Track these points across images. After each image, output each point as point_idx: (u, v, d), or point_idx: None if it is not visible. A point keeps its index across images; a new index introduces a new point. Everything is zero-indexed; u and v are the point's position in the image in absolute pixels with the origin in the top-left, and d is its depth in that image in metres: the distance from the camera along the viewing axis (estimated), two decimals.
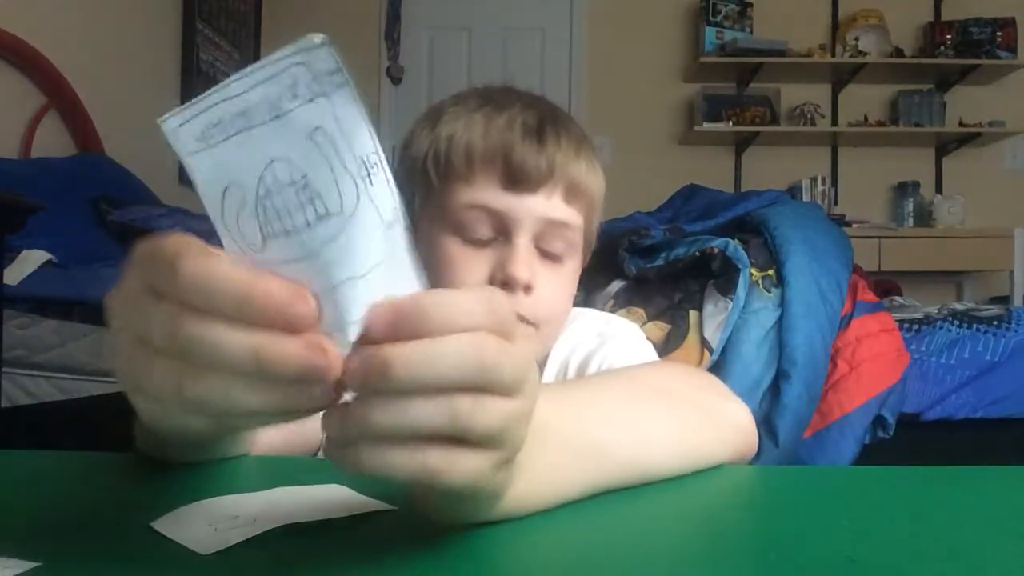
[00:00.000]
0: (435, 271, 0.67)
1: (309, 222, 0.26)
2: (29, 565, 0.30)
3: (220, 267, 0.25)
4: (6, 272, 1.50)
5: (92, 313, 1.60)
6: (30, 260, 1.68)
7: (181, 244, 0.26)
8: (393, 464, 0.26)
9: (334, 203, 0.26)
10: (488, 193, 0.66)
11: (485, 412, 0.26)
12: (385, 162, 0.27)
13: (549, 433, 0.35)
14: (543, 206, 0.66)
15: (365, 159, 0.26)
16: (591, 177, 0.69)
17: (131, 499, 0.42)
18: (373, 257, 0.27)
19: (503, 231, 0.66)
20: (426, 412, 0.25)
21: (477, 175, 0.66)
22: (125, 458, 0.48)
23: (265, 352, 0.25)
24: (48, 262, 1.73)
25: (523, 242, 0.66)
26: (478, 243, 0.66)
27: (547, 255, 0.68)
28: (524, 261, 0.65)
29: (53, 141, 2.37)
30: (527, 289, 0.65)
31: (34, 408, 1.57)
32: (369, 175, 0.26)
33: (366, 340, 0.26)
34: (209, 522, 0.34)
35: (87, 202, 2.17)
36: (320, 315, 0.26)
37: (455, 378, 0.25)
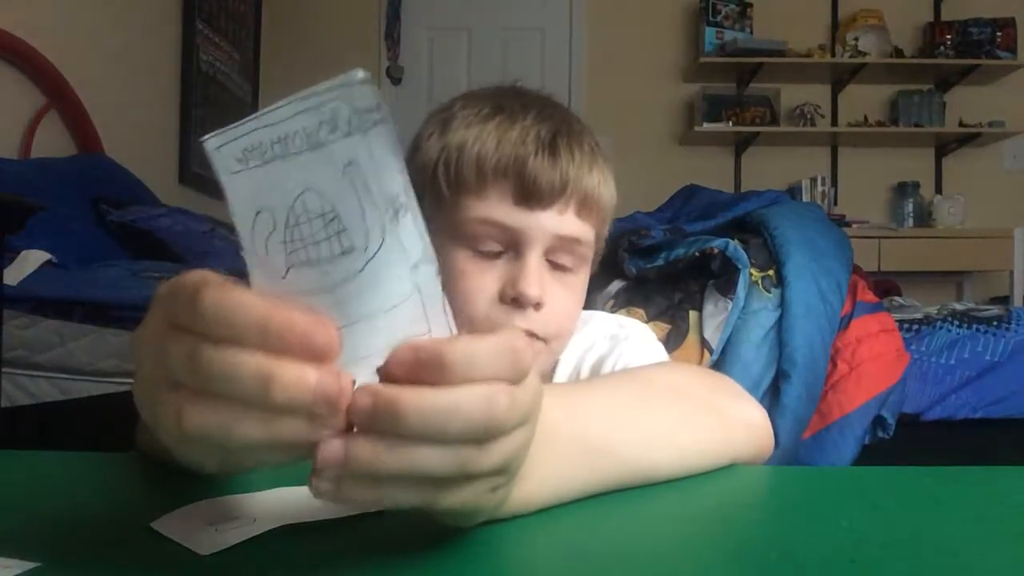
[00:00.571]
0: (445, 281, 0.66)
1: (333, 255, 0.26)
2: (29, 565, 0.30)
3: (241, 296, 0.25)
4: (6, 272, 1.50)
5: (92, 313, 1.59)
6: (30, 260, 1.68)
7: (202, 277, 0.26)
8: (393, 498, 0.26)
9: (360, 239, 0.26)
10: (500, 209, 0.64)
11: (490, 456, 0.27)
12: (415, 202, 0.27)
13: (556, 434, 0.35)
14: (555, 222, 0.65)
15: (394, 198, 0.26)
16: (604, 189, 0.68)
17: (131, 499, 0.42)
18: (394, 297, 0.27)
19: (514, 246, 0.65)
20: (433, 460, 0.26)
21: (489, 189, 0.65)
22: (125, 458, 0.48)
23: (279, 378, 0.25)
24: (48, 262, 1.72)
25: (534, 258, 0.65)
26: (488, 256, 0.65)
27: (558, 267, 0.67)
28: (535, 279, 0.64)
29: (53, 141, 2.37)
30: (537, 306, 0.64)
31: (34, 408, 1.57)
32: (397, 214, 0.26)
33: (383, 379, 0.26)
34: (209, 522, 0.34)
35: (87, 202, 2.17)
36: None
37: (464, 432, 0.26)
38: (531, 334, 0.64)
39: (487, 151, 0.65)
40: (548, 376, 0.75)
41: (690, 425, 0.46)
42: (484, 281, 0.65)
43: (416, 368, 0.25)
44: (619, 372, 0.62)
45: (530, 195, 0.64)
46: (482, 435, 0.26)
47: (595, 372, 0.72)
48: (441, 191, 0.67)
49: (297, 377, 0.25)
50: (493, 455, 0.27)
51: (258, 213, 0.26)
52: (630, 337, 0.75)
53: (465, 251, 0.66)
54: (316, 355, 0.25)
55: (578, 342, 0.75)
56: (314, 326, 0.25)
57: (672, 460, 0.43)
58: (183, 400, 0.26)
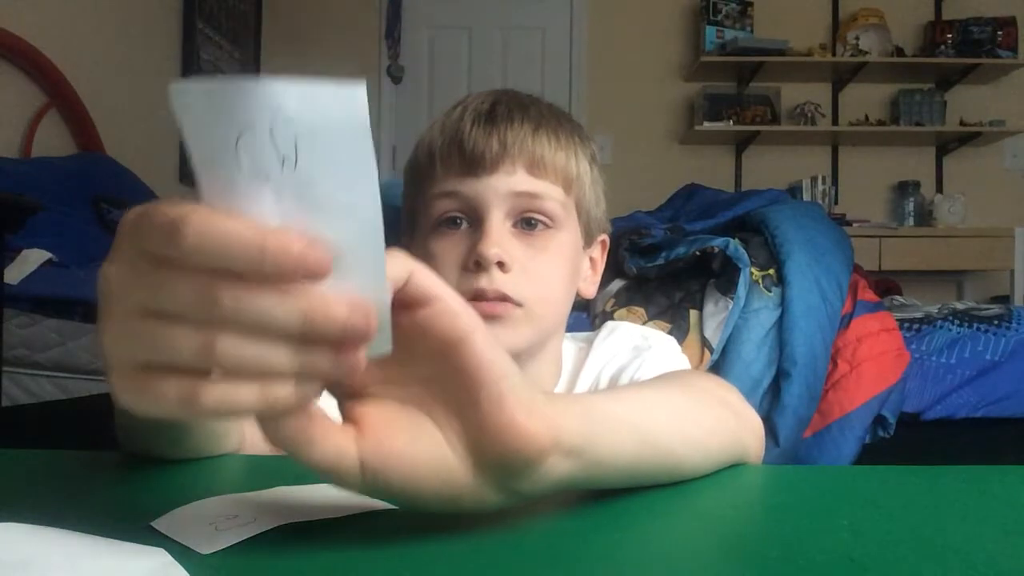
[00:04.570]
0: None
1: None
2: None
3: (229, 224, 0.25)
4: (6, 271, 1.50)
5: (93, 312, 1.59)
6: (30, 259, 1.68)
7: (179, 206, 0.25)
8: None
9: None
10: (449, 182, 0.67)
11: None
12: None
13: (607, 416, 0.36)
14: (506, 182, 0.66)
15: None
16: (559, 152, 0.68)
17: (131, 499, 0.42)
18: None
19: (475, 215, 0.66)
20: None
21: (438, 168, 0.68)
22: (125, 458, 0.48)
23: (314, 313, 0.26)
24: (48, 261, 1.73)
25: (494, 221, 0.65)
26: (453, 231, 0.67)
27: (528, 231, 0.67)
28: (494, 239, 0.64)
29: (53, 140, 2.38)
30: (501, 266, 0.64)
31: (35, 407, 1.57)
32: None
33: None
34: (209, 522, 0.34)
35: (87, 201, 2.17)
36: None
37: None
38: (503, 296, 0.64)
39: (434, 136, 0.69)
40: (571, 375, 0.74)
41: (720, 424, 0.47)
42: (450, 253, 0.66)
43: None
44: (642, 380, 0.62)
45: (474, 163, 0.66)
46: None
47: (614, 382, 0.71)
48: (412, 191, 0.71)
49: (330, 310, 0.26)
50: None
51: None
52: (652, 347, 0.74)
53: (434, 234, 0.68)
54: (313, 275, 0.25)
55: (601, 352, 0.74)
56: (308, 246, 0.25)
57: (700, 457, 0.43)
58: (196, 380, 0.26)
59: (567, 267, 0.70)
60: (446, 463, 0.31)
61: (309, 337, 0.26)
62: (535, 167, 0.67)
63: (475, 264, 0.64)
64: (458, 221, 0.67)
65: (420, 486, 0.30)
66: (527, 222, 0.67)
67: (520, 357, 0.68)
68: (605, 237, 0.78)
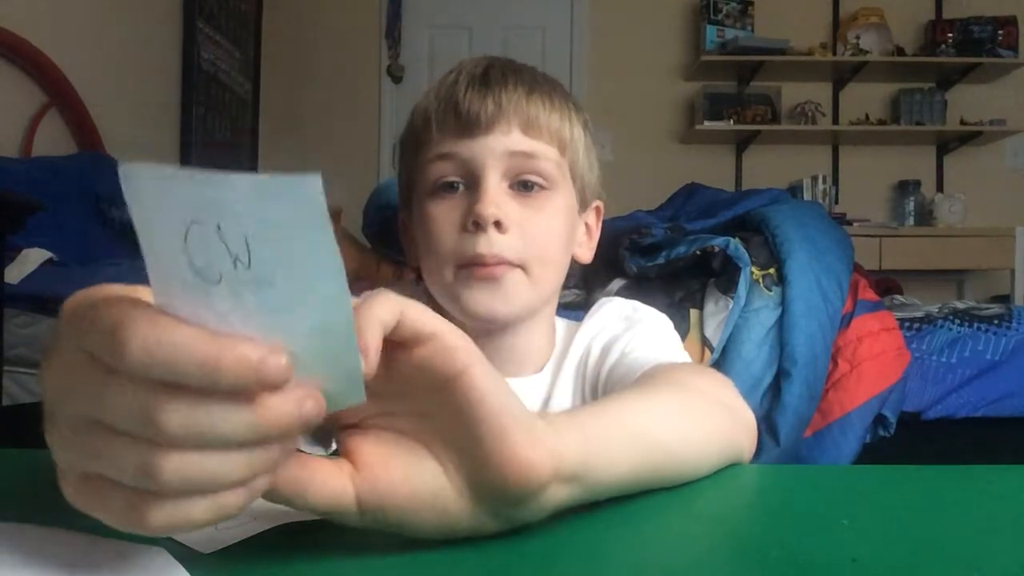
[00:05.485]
0: (423, 237, 0.69)
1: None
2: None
3: (177, 335, 0.23)
4: (7, 271, 1.50)
5: None
6: (31, 259, 1.68)
7: (122, 306, 0.24)
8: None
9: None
10: (445, 144, 0.67)
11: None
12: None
13: (603, 424, 0.37)
14: (502, 142, 0.66)
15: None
16: (553, 114, 0.68)
17: None
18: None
19: (472, 176, 0.66)
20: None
21: (434, 132, 0.68)
22: None
23: (266, 420, 0.24)
24: (49, 261, 1.73)
25: (490, 182, 0.65)
26: (451, 193, 0.67)
27: (525, 192, 0.68)
28: (490, 199, 0.64)
29: (54, 140, 2.38)
30: (499, 226, 0.64)
31: (35, 406, 1.57)
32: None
33: None
34: None
35: (88, 200, 2.17)
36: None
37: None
38: (501, 259, 0.64)
39: (429, 102, 0.69)
40: (562, 352, 0.74)
41: (716, 422, 0.47)
42: (448, 215, 0.66)
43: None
44: (641, 377, 0.60)
45: (469, 124, 0.66)
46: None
47: (604, 352, 0.71)
48: (408, 159, 0.71)
49: (280, 412, 0.24)
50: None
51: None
52: (644, 320, 0.74)
53: (431, 199, 0.68)
54: (273, 385, 0.24)
55: (593, 323, 0.75)
56: (268, 356, 0.24)
57: (697, 463, 0.43)
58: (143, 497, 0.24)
59: (563, 228, 0.70)
60: (444, 495, 0.31)
61: (261, 442, 0.25)
62: (530, 127, 0.67)
63: (473, 224, 0.64)
64: (455, 185, 0.67)
65: (418, 518, 0.31)
66: (523, 184, 0.67)
67: (518, 323, 0.70)
68: (599, 203, 0.78)
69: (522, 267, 0.66)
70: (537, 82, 0.69)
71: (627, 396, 0.45)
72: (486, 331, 0.68)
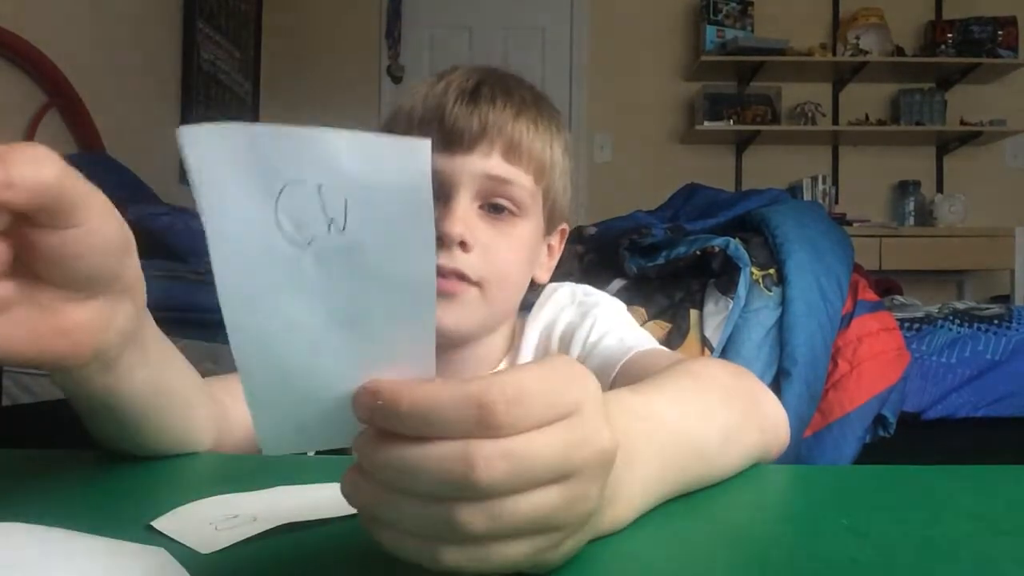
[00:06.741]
0: None
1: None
2: None
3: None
4: None
5: None
6: None
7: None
8: (394, 545, 0.26)
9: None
10: None
11: (496, 517, 0.24)
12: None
13: (637, 444, 0.34)
14: (480, 164, 0.66)
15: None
16: (536, 140, 0.68)
17: (130, 499, 0.42)
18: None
19: (445, 193, 0.66)
20: (410, 514, 0.25)
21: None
22: (125, 458, 0.48)
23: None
24: None
25: (461, 201, 0.65)
26: None
27: (494, 214, 0.68)
28: (458, 218, 0.64)
29: (54, 140, 2.37)
30: (463, 246, 0.64)
31: (35, 407, 1.57)
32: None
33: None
34: (209, 522, 0.34)
35: None
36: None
37: (437, 490, 0.24)
38: (460, 275, 0.65)
39: (415, 104, 0.69)
40: (514, 347, 0.74)
41: (750, 422, 0.46)
42: None
43: (373, 412, 0.25)
44: (667, 369, 0.55)
45: (451, 140, 0.66)
46: (464, 494, 0.24)
47: (565, 341, 0.71)
48: None
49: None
50: (503, 516, 0.24)
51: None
52: (600, 303, 0.74)
53: None
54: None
55: (545, 313, 0.75)
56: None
57: (735, 458, 0.43)
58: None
59: (526, 254, 0.71)
60: None
61: None
62: (511, 152, 0.67)
63: (437, 240, 0.64)
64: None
65: None
66: (494, 207, 0.67)
67: (470, 338, 0.70)
68: (565, 226, 0.78)
69: (479, 285, 0.66)
70: (526, 103, 0.69)
71: (667, 391, 0.42)
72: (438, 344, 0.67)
